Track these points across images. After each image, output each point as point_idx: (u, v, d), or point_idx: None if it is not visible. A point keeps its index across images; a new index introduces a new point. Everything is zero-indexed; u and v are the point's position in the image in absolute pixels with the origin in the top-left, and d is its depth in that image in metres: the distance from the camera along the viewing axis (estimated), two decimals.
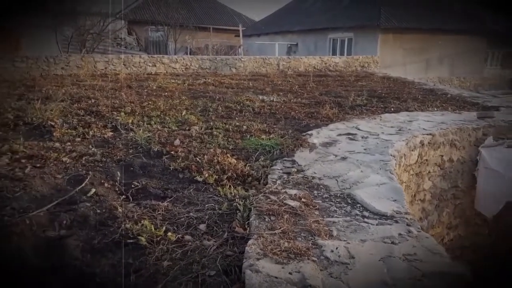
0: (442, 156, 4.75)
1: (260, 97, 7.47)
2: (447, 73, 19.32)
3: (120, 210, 2.47)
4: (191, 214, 2.48)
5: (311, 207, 2.44)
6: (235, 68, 13.29)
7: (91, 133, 4.48)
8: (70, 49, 16.96)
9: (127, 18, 22.64)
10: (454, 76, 19.68)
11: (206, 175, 3.11)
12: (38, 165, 3.33)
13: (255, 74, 11.80)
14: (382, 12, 16.83)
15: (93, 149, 3.84)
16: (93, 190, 2.78)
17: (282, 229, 2.12)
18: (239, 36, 21.54)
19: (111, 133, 4.61)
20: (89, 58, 12.64)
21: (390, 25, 16.51)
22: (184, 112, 5.61)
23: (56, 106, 5.43)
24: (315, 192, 2.75)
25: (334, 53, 18.05)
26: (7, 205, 2.56)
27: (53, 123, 4.76)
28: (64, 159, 3.49)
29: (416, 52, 17.82)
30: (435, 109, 6.78)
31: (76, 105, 6.24)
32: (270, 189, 2.70)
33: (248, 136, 4.43)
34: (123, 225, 2.27)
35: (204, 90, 8.51)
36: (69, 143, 4.08)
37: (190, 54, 20.18)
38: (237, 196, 2.68)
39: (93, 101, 6.73)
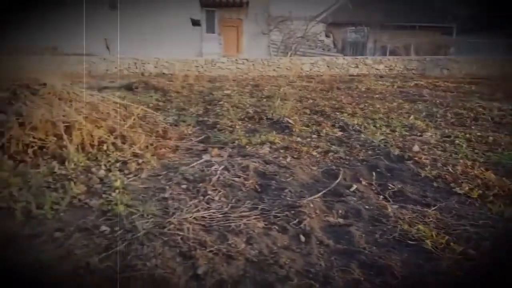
0: None
1: (494, 104, 6.51)
2: None
3: (390, 209, 2.58)
4: (467, 227, 2.35)
5: None
6: (447, 69, 12.07)
7: (324, 131, 4.85)
8: (273, 52, 18.86)
9: (327, 20, 23.60)
10: None
11: (467, 188, 2.91)
12: (295, 156, 3.83)
13: (474, 77, 10.38)
14: None
15: (333, 146, 4.16)
16: (355, 186, 3.00)
17: None
18: (448, 34, 19.39)
19: (340, 132, 4.89)
20: (297, 60, 13.81)
21: None
22: (411, 117, 5.44)
23: (289, 105, 6.10)
24: None
25: None
26: (285, 187, 3.04)
27: (290, 120, 5.39)
28: (313, 153, 3.89)
29: None
30: None
31: (299, 104, 6.89)
32: None
33: (499, 150, 3.93)
34: (399, 226, 2.35)
35: (418, 93, 8.05)
36: (308, 139, 4.53)
37: (388, 54, 19.43)
38: None
39: (311, 101, 7.31)
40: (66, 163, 3.40)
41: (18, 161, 3.45)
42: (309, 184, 3.14)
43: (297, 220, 2.45)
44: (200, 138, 4.73)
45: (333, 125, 5.18)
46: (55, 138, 3.76)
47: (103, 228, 2.45)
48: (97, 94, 4.73)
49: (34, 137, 3.68)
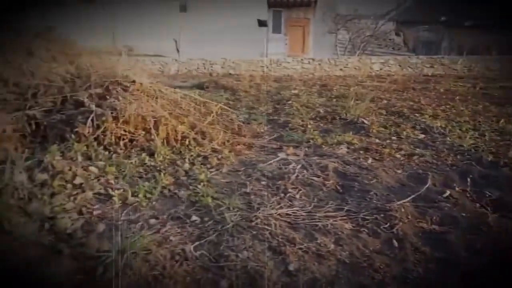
0: None
1: None
2: None
3: (490, 218, 2.37)
4: None
5: None
6: None
7: (404, 133, 4.61)
8: (340, 51, 18.36)
9: (397, 19, 22.47)
10: None
11: None
12: (376, 158, 3.69)
13: None
14: None
15: (417, 149, 3.94)
16: (448, 192, 2.81)
17: None
18: None
19: (422, 135, 4.62)
20: (366, 60, 13.33)
21: None
22: (502, 120, 4.97)
23: (364, 105, 5.90)
24: None
25: None
26: (369, 190, 2.93)
27: (365, 120, 5.21)
28: (396, 155, 3.72)
29: None
30: None
31: (373, 104, 6.63)
32: None
33: None
34: (503, 236, 2.15)
35: (505, 96, 7.34)
36: (388, 140, 4.34)
37: (466, 54, 17.99)
38: None
39: (385, 101, 7.01)
40: (155, 156, 3.61)
41: (112, 152, 3.74)
42: (395, 188, 3.01)
43: (388, 224, 2.36)
44: (274, 136, 4.76)
45: (413, 127, 4.91)
46: (144, 132, 4.02)
47: (194, 218, 2.57)
48: (179, 92, 4.97)
49: (125, 130, 3.97)
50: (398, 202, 2.63)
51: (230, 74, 13.59)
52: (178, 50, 17.56)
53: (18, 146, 3.82)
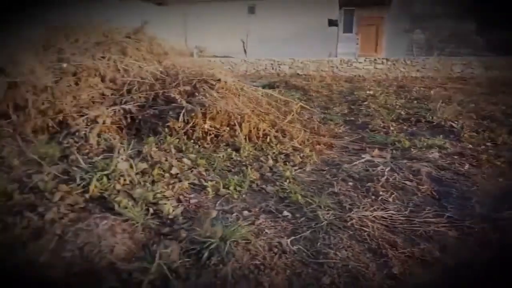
0: None
1: None
2: None
3: None
4: None
5: None
6: None
7: (500, 139, 4.24)
8: (416, 51, 17.37)
9: (479, 18, 20.71)
10: None
11: None
12: (473, 164, 3.44)
13: None
14: None
15: None
16: None
17: None
18: None
19: None
20: (446, 61, 12.47)
21: None
22: None
23: (451, 108, 5.54)
24: None
25: None
26: (470, 197, 2.74)
27: (454, 124, 4.88)
28: (496, 162, 3.44)
29: None
30: None
31: (459, 107, 6.19)
32: None
33: None
34: None
35: None
36: (483, 146, 4.02)
37: None
38: None
39: (473, 105, 6.51)
40: (241, 151, 3.72)
41: (200, 146, 3.93)
42: (499, 196, 2.77)
43: (498, 234, 2.18)
44: (355, 137, 4.65)
45: (510, 133, 4.49)
46: (228, 128, 4.17)
47: (285, 213, 2.60)
48: (260, 90, 5.07)
49: (211, 126, 4.15)
50: (508, 212, 2.42)
51: (298, 74, 13.55)
52: (245, 51, 17.95)
53: (116, 137, 4.19)
